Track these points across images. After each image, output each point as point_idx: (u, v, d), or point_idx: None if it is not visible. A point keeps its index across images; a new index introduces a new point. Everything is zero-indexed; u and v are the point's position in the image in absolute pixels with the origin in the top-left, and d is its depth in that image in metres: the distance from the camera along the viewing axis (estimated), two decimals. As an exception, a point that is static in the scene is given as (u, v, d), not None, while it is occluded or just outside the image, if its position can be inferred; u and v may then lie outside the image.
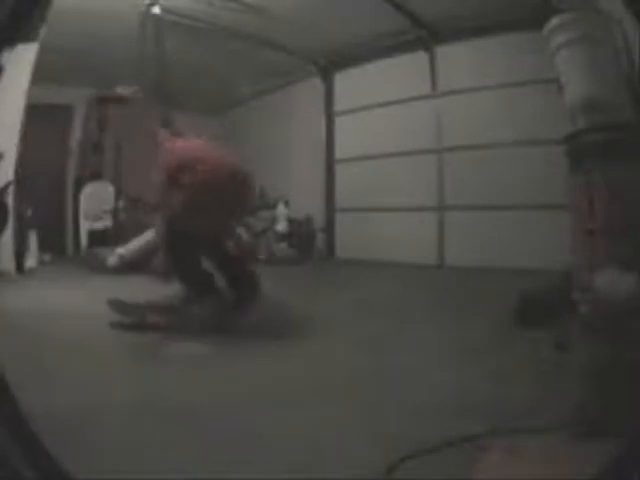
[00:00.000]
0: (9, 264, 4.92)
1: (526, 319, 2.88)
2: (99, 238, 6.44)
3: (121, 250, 5.44)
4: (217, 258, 3.34)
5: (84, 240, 6.68)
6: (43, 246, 5.68)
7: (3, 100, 4.50)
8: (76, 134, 7.30)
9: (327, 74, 7.10)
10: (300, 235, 6.73)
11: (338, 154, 7.01)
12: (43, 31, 4.62)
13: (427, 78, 5.92)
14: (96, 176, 7.17)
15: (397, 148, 6.16)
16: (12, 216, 4.78)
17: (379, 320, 3.30)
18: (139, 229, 5.88)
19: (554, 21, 2.93)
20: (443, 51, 5.81)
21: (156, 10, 5.17)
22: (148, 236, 5.66)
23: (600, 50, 2.78)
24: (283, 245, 6.52)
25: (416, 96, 6.02)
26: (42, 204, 5.80)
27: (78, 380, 2.14)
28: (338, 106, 7.04)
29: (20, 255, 5.07)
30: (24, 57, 4.65)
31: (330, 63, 6.99)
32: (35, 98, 5.00)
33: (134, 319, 3.06)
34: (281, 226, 6.70)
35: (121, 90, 7.28)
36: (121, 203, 6.58)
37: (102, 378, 2.19)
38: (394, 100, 6.21)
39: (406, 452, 1.43)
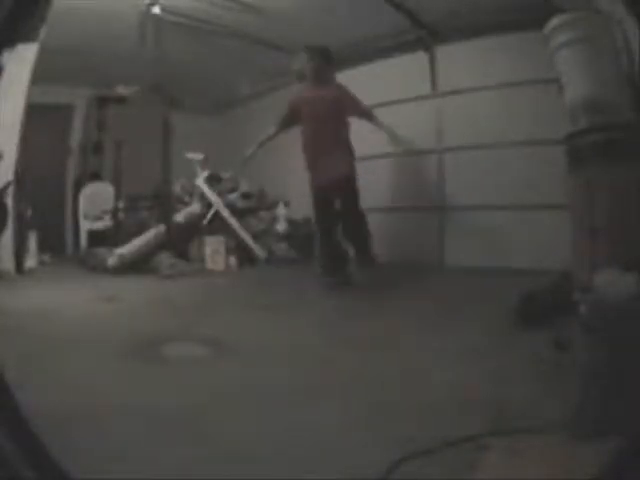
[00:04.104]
0: (9, 264, 4.92)
1: (526, 319, 2.88)
2: (99, 238, 6.44)
3: (121, 250, 5.44)
4: None
5: (84, 240, 6.69)
6: (43, 246, 5.68)
7: (3, 100, 4.50)
8: (76, 134, 7.31)
9: (327, 74, 7.09)
10: (300, 235, 6.72)
11: (338, 154, 7.00)
12: (43, 31, 4.62)
13: (427, 78, 5.91)
14: (96, 176, 7.17)
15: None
16: (12, 216, 4.78)
17: (379, 320, 3.30)
18: (139, 229, 5.89)
19: (554, 21, 2.93)
20: (443, 51, 5.81)
21: (156, 10, 5.17)
22: (148, 236, 5.67)
23: (600, 50, 2.78)
24: (283, 245, 6.52)
25: (416, 96, 6.02)
26: (42, 204, 5.80)
27: (78, 380, 2.14)
28: (338, 106, 7.03)
29: (20, 255, 5.06)
30: (24, 57, 4.65)
31: (330, 63, 6.98)
32: (35, 98, 4.99)
33: None
34: (281, 226, 6.69)
35: (121, 90, 7.28)
36: (121, 203, 6.58)
37: (102, 378, 2.19)
38: (394, 100, 6.21)
39: (406, 452, 1.43)
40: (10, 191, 4.63)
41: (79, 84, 6.89)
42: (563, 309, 2.45)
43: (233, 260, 5.91)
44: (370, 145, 6.49)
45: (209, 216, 6.11)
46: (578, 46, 2.83)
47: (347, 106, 4.69)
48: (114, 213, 6.50)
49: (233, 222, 6.14)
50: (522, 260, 4.72)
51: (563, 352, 2.24)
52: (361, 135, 6.40)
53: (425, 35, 5.77)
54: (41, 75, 4.96)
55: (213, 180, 6.43)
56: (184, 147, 6.30)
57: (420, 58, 5.94)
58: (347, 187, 4.55)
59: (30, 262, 5.29)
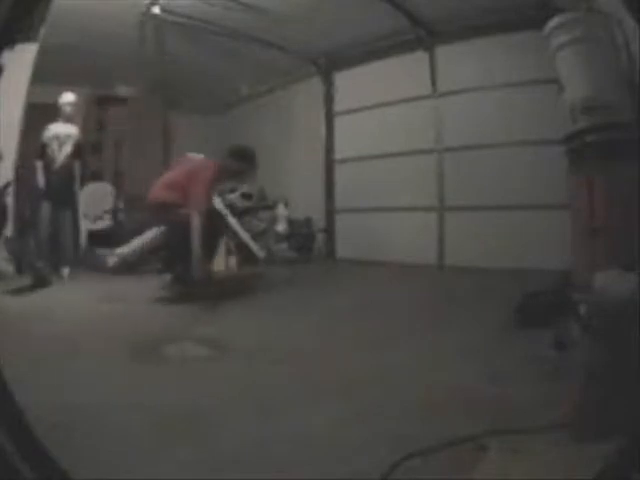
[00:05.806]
0: (9, 264, 4.91)
1: (526, 319, 2.88)
2: (99, 238, 6.43)
3: (121, 250, 5.43)
4: None
5: (84, 240, 6.68)
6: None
7: (3, 100, 4.50)
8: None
9: (327, 74, 7.10)
10: (300, 236, 6.72)
11: (338, 154, 7.01)
12: (43, 31, 4.62)
13: (427, 78, 5.91)
14: (96, 176, 7.17)
15: (397, 148, 6.15)
16: (12, 216, 4.78)
17: (379, 320, 3.30)
18: (139, 229, 5.88)
19: (554, 21, 2.93)
20: (443, 51, 5.81)
21: (156, 10, 5.17)
22: (148, 236, 5.66)
23: (600, 50, 2.78)
24: (283, 246, 6.51)
25: (416, 96, 6.02)
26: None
27: (78, 380, 2.13)
28: (338, 106, 7.04)
29: (20, 255, 5.05)
30: (24, 57, 4.65)
31: (330, 63, 6.99)
32: (35, 98, 4.99)
33: None
34: (281, 227, 6.69)
35: (121, 90, 7.29)
36: (121, 203, 6.57)
37: (102, 378, 2.19)
38: (394, 100, 6.21)
39: (406, 452, 1.43)
40: (10, 191, 4.63)
41: (79, 84, 6.89)
42: (563, 309, 2.46)
43: (233, 260, 5.91)
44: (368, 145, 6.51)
45: (209, 216, 6.10)
46: (578, 46, 2.83)
47: None
48: (114, 213, 6.49)
49: (233, 222, 6.13)
50: (522, 260, 4.72)
51: (563, 352, 2.24)
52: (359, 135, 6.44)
53: (425, 35, 5.77)
54: (41, 75, 4.96)
55: (213, 180, 6.41)
56: (184, 147, 6.30)
57: (420, 58, 5.94)
58: None
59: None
